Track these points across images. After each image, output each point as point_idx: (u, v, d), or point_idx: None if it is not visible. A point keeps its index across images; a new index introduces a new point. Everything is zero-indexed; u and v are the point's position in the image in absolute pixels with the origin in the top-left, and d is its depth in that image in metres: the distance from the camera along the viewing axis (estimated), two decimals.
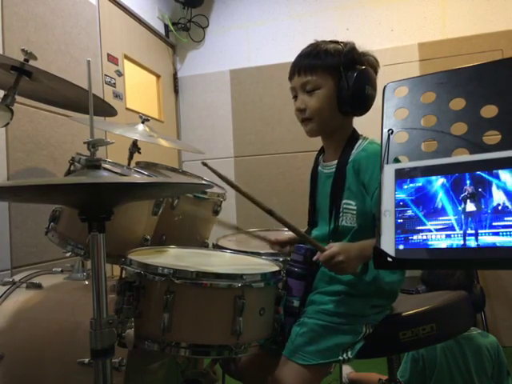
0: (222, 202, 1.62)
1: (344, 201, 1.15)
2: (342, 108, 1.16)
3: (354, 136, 1.20)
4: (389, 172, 0.64)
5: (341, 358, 1.09)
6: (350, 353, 1.10)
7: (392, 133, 0.69)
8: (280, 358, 1.13)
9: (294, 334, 1.12)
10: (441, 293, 1.38)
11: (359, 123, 1.26)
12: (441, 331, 1.18)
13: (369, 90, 1.14)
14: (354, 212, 1.14)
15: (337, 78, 1.14)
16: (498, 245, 0.53)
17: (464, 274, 1.71)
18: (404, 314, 1.18)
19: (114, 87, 2.45)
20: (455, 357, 1.60)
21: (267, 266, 1.18)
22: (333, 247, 1.05)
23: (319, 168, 1.28)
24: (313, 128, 1.19)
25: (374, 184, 1.10)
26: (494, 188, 0.56)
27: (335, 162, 1.20)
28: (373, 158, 1.12)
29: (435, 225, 0.58)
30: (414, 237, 0.59)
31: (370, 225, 1.12)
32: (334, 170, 1.19)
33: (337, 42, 1.18)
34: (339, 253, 1.04)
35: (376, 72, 1.21)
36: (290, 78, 1.22)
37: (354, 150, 1.17)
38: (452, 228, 0.57)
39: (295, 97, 1.21)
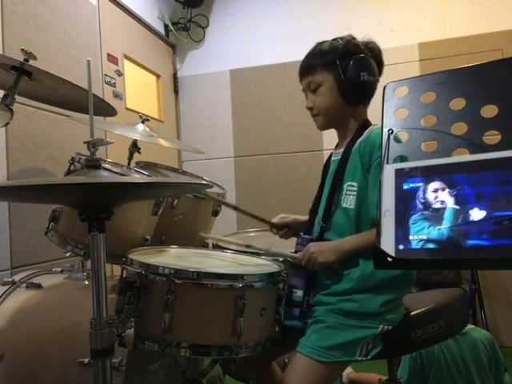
0: None
1: (348, 183, 1.18)
2: (347, 98, 1.19)
3: (366, 125, 1.23)
4: (389, 172, 0.64)
5: (358, 358, 1.10)
6: (366, 353, 1.11)
7: (392, 133, 0.69)
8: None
9: (310, 331, 1.14)
10: (440, 291, 1.40)
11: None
12: (447, 328, 1.21)
13: (364, 77, 1.16)
14: (355, 193, 1.15)
15: (335, 71, 1.17)
16: (497, 244, 0.53)
17: (452, 271, 1.72)
18: (413, 313, 1.19)
19: (114, 87, 2.45)
20: (452, 353, 1.61)
21: (268, 266, 1.18)
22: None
23: (332, 159, 1.30)
24: (321, 122, 1.25)
25: (373, 161, 1.12)
26: (492, 188, 0.56)
27: (343, 148, 1.23)
28: (375, 138, 1.14)
29: (435, 225, 0.58)
30: (415, 237, 0.59)
31: (366, 208, 1.13)
32: (340, 156, 1.22)
33: (335, 39, 1.22)
34: (311, 246, 1.16)
35: (377, 58, 1.23)
36: (300, 81, 1.27)
37: (362, 136, 1.20)
38: (452, 228, 0.57)
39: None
